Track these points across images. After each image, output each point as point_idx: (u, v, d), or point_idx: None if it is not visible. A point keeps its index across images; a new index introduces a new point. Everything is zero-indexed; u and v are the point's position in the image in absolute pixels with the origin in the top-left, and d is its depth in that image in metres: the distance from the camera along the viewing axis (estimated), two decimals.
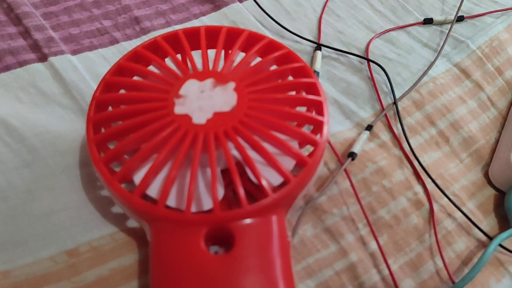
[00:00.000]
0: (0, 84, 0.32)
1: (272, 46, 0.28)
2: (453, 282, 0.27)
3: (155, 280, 0.23)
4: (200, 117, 0.25)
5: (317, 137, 0.25)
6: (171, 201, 0.24)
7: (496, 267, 0.29)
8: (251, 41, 0.28)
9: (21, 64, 0.32)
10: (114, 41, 0.35)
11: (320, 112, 0.26)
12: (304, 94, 0.27)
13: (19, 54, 0.33)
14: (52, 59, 0.33)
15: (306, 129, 0.26)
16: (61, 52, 0.33)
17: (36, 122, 0.30)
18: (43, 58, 0.33)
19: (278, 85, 0.26)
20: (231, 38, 0.28)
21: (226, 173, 0.25)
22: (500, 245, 0.29)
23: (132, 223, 0.27)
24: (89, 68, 0.33)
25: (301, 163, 0.25)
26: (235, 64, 0.27)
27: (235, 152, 0.25)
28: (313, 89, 0.27)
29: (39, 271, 0.25)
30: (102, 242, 0.27)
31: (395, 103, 0.33)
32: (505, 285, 0.29)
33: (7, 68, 0.32)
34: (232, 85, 0.26)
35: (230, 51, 0.28)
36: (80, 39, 0.35)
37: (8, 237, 0.26)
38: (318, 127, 0.26)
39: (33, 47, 0.33)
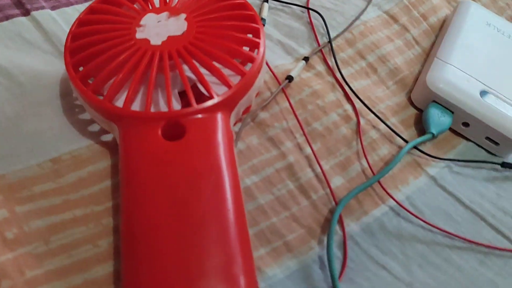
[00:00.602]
0: None
1: None
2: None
3: (124, 169, 0.28)
4: (156, 40, 0.30)
5: (254, 54, 0.31)
6: (136, 107, 0.29)
7: (415, 167, 0.35)
8: None
9: (8, 17, 0.38)
10: None
11: (257, 36, 0.32)
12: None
13: (5, 10, 0.38)
14: (34, 13, 0.38)
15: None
16: (42, 8, 0.39)
17: (22, 63, 0.35)
18: (26, 13, 0.38)
19: (222, 15, 0.32)
20: None
21: (184, 94, 0.31)
22: (418, 149, 0.35)
23: (106, 137, 0.33)
24: (66, 20, 0.38)
25: (240, 74, 0.30)
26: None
27: (188, 74, 0.31)
28: (252, 19, 0.33)
29: (29, 174, 0.31)
30: (80, 152, 0.32)
31: (329, 41, 0.39)
32: (421, 181, 0.35)
33: None
34: (183, 16, 0.32)
35: None
36: None
37: (1, 150, 0.31)
38: (255, 47, 0.31)
39: (17, 4, 0.39)
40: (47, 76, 0.35)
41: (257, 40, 0.32)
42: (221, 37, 0.31)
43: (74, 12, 0.39)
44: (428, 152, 0.35)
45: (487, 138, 0.36)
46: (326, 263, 0.30)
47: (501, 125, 0.35)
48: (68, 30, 0.37)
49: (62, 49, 0.37)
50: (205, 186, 0.27)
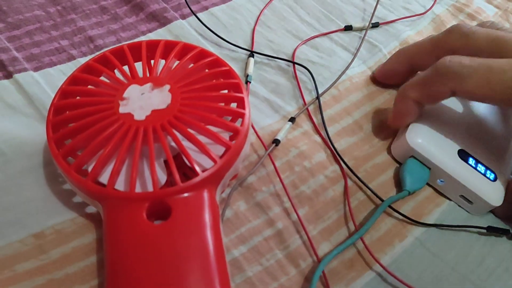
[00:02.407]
0: None
1: (203, 54, 0.34)
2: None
3: (108, 250, 0.28)
4: (140, 114, 0.30)
5: (239, 126, 0.31)
6: (120, 186, 0.29)
7: (400, 229, 0.35)
8: (185, 50, 0.34)
9: None
10: (71, 58, 0.40)
11: (242, 106, 0.32)
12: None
13: None
14: (16, 76, 0.38)
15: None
16: (25, 70, 0.38)
17: (3, 130, 0.35)
18: (8, 75, 0.38)
19: (207, 86, 0.32)
20: (168, 49, 0.34)
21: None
22: (399, 213, 0.35)
23: (90, 209, 0.32)
24: (50, 82, 0.38)
25: (225, 147, 0.30)
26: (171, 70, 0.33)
27: (173, 144, 0.30)
28: (237, 88, 0.33)
29: (10, 252, 0.30)
30: (64, 225, 0.31)
31: (317, 97, 0.39)
32: (407, 244, 0.34)
33: None
34: (167, 87, 0.31)
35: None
36: (41, 58, 0.40)
37: None
38: (240, 117, 0.31)
39: None
40: (29, 143, 0.35)
41: (242, 111, 0.31)
42: (206, 110, 0.31)
43: (57, 73, 0.39)
44: (412, 211, 0.35)
45: (461, 196, 0.36)
46: None
47: (475, 185, 0.35)
48: (51, 92, 0.37)
49: (44, 113, 0.36)
50: (191, 269, 0.26)
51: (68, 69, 0.39)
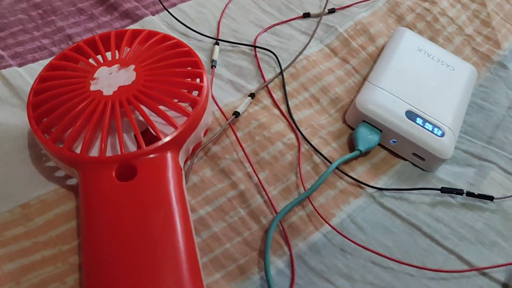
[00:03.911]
0: None
1: (165, 38, 0.38)
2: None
3: (83, 209, 0.31)
4: (108, 91, 0.34)
5: (198, 96, 0.35)
6: (95, 152, 0.32)
7: (355, 188, 0.38)
8: (149, 36, 0.38)
9: None
10: (52, 54, 0.44)
11: (201, 80, 0.36)
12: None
13: None
14: (2, 71, 0.42)
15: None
16: (10, 65, 0.42)
17: None
18: None
19: (168, 63, 0.36)
20: (135, 36, 0.38)
21: (143, 134, 0.34)
22: (351, 177, 0.38)
23: (71, 181, 0.36)
24: (33, 75, 0.42)
25: (185, 115, 0.34)
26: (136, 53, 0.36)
27: (141, 118, 0.34)
28: (196, 65, 0.36)
29: (0, 221, 0.33)
30: (47, 196, 0.35)
31: (281, 72, 0.43)
32: (361, 200, 0.38)
33: None
34: (132, 66, 0.35)
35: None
36: (24, 55, 0.44)
37: None
38: (199, 90, 0.35)
39: None
40: (15, 128, 0.38)
41: (200, 84, 0.35)
42: (167, 83, 0.35)
43: (39, 67, 0.43)
44: (368, 172, 0.39)
45: (414, 154, 0.39)
46: (277, 280, 0.33)
47: (425, 142, 0.38)
48: None
49: None
50: (156, 220, 0.30)
51: None
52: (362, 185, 0.38)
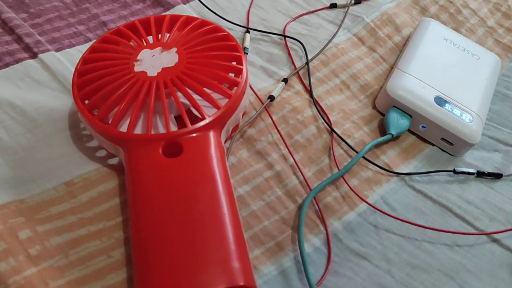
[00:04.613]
0: (3, 77, 0.41)
1: (204, 23, 0.39)
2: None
3: (130, 186, 0.32)
4: (152, 72, 0.35)
5: (238, 79, 0.36)
6: (138, 131, 0.34)
7: (386, 172, 0.39)
8: (188, 21, 0.39)
9: (17, 61, 0.42)
10: (88, 40, 0.45)
11: (240, 63, 0.37)
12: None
13: (15, 54, 0.43)
14: (41, 56, 0.43)
15: None
16: (47, 50, 0.43)
17: (33, 100, 0.40)
18: (33, 56, 0.43)
19: (209, 47, 0.37)
20: (173, 21, 0.39)
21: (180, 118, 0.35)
22: (378, 166, 0.39)
23: (112, 161, 0.37)
24: (70, 60, 0.43)
25: (227, 97, 0.35)
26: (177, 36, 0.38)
27: (183, 99, 0.35)
28: (235, 49, 0.37)
29: (45, 198, 0.35)
30: (90, 175, 0.36)
31: (307, 62, 0.44)
32: (393, 183, 0.39)
33: (6, 65, 0.42)
34: (174, 49, 0.36)
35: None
36: (61, 40, 0.45)
37: (20, 177, 0.35)
38: (239, 73, 0.36)
39: (25, 49, 0.43)
40: (56, 110, 0.39)
41: (240, 66, 0.36)
42: (209, 66, 0.36)
43: (76, 52, 0.44)
44: (398, 156, 0.40)
45: (443, 139, 0.40)
46: (314, 257, 0.34)
47: (454, 127, 0.39)
48: (72, 69, 0.42)
49: (68, 86, 0.41)
50: (203, 194, 0.31)
51: (85, 49, 0.44)
52: (394, 169, 0.39)
